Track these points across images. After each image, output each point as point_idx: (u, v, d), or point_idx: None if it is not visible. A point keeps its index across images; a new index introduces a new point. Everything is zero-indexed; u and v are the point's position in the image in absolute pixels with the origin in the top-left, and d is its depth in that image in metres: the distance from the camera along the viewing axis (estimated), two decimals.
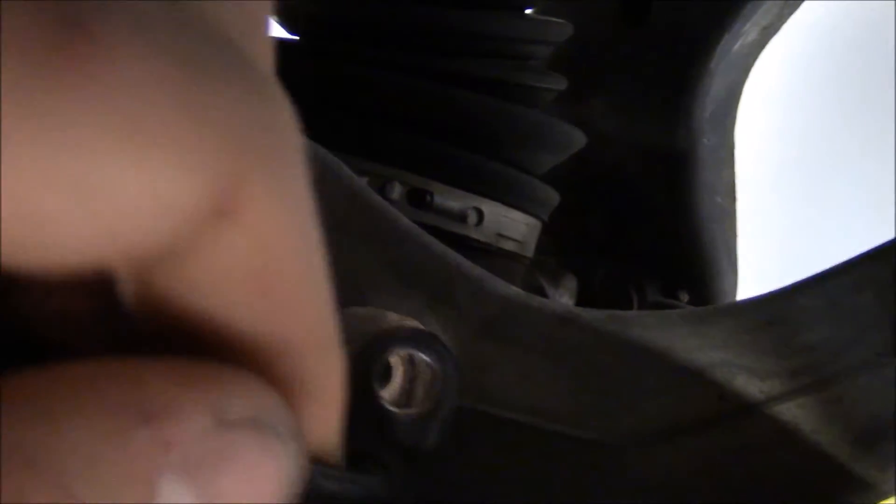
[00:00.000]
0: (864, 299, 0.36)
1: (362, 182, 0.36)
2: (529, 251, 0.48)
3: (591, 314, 0.37)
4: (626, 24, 0.59)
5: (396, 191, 0.42)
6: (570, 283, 0.59)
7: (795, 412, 0.37)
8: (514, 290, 0.36)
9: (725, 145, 0.62)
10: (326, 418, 0.17)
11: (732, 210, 0.63)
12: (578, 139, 0.48)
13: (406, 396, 0.29)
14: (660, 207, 0.61)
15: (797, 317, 0.37)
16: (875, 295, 0.36)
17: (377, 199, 0.35)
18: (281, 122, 0.14)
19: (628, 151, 0.61)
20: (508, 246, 0.46)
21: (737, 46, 0.59)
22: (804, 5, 0.60)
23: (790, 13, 0.61)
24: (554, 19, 0.48)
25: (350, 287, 0.34)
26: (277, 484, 0.15)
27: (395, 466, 0.21)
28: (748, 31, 0.60)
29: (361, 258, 0.35)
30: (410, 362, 0.28)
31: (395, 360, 0.26)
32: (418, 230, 0.36)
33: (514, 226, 0.46)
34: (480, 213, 0.44)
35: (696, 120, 0.59)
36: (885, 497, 0.37)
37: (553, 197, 0.48)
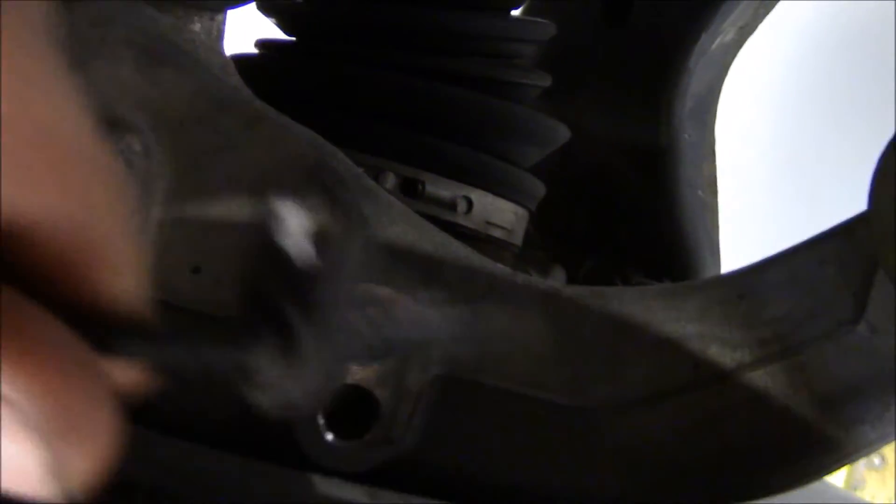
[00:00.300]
0: (826, 273, 0.39)
1: (360, 170, 0.38)
2: (517, 239, 0.50)
3: (573, 290, 0.40)
4: (608, 24, 0.62)
5: (390, 181, 0.45)
6: (559, 274, 0.62)
7: (765, 379, 0.39)
8: (501, 268, 0.39)
9: (705, 141, 0.65)
10: (115, 270, 0.16)
11: (714, 203, 0.66)
12: (563, 133, 0.51)
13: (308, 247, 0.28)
14: (643, 201, 0.64)
15: (765, 290, 0.39)
16: (836, 269, 0.38)
17: (373, 185, 0.38)
18: None
19: (612, 147, 0.63)
20: (496, 233, 0.48)
21: (714, 45, 0.62)
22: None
23: (765, 13, 0.64)
24: (538, 20, 0.51)
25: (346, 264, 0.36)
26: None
27: (296, 326, 0.21)
28: (725, 30, 0.62)
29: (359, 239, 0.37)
30: (304, 206, 0.28)
31: (290, 205, 0.25)
32: (411, 213, 0.38)
33: (501, 214, 0.48)
34: (469, 202, 0.47)
35: (677, 116, 0.62)
36: (852, 456, 0.40)
37: (539, 188, 0.51)
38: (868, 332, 0.38)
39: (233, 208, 0.36)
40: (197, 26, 0.38)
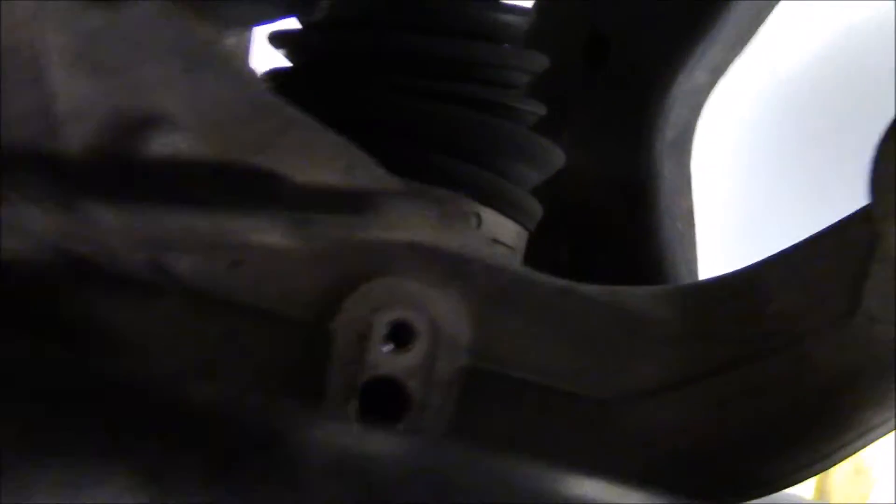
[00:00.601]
0: (824, 268, 0.41)
1: (385, 172, 0.41)
2: (519, 258, 0.53)
3: (586, 288, 0.42)
4: (589, 65, 0.65)
5: None
6: None
7: (770, 370, 0.41)
8: (520, 266, 0.41)
9: (683, 175, 0.68)
10: None
11: (691, 235, 0.69)
12: (560, 157, 0.54)
13: None
14: (625, 233, 0.66)
15: (767, 287, 0.42)
16: (834, 264, 0.41)
17: (401, 187, 0.40)
18: None
19: (595, 182, 0.66)
20: (502, 251, 0.51)
21: (689, 85, 0.66)
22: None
23: (735, 56, 0.67)
24: (534, 51, 0.54)
25: (379, 261, 0.38)
26: None
27: None
28: (699, 71, 0.66)
29: (390, 239, 0.39)
30: None
31: None
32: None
33: (507, 232, 0.50)
34: (479, 219, 0.49)
35: (656, 151, 0.65)
36: (855, 443, 0.42)
37: (538, 210, 0.53)
38: (866, 322, 0.40)
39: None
40: (230, 41, 0.40)
